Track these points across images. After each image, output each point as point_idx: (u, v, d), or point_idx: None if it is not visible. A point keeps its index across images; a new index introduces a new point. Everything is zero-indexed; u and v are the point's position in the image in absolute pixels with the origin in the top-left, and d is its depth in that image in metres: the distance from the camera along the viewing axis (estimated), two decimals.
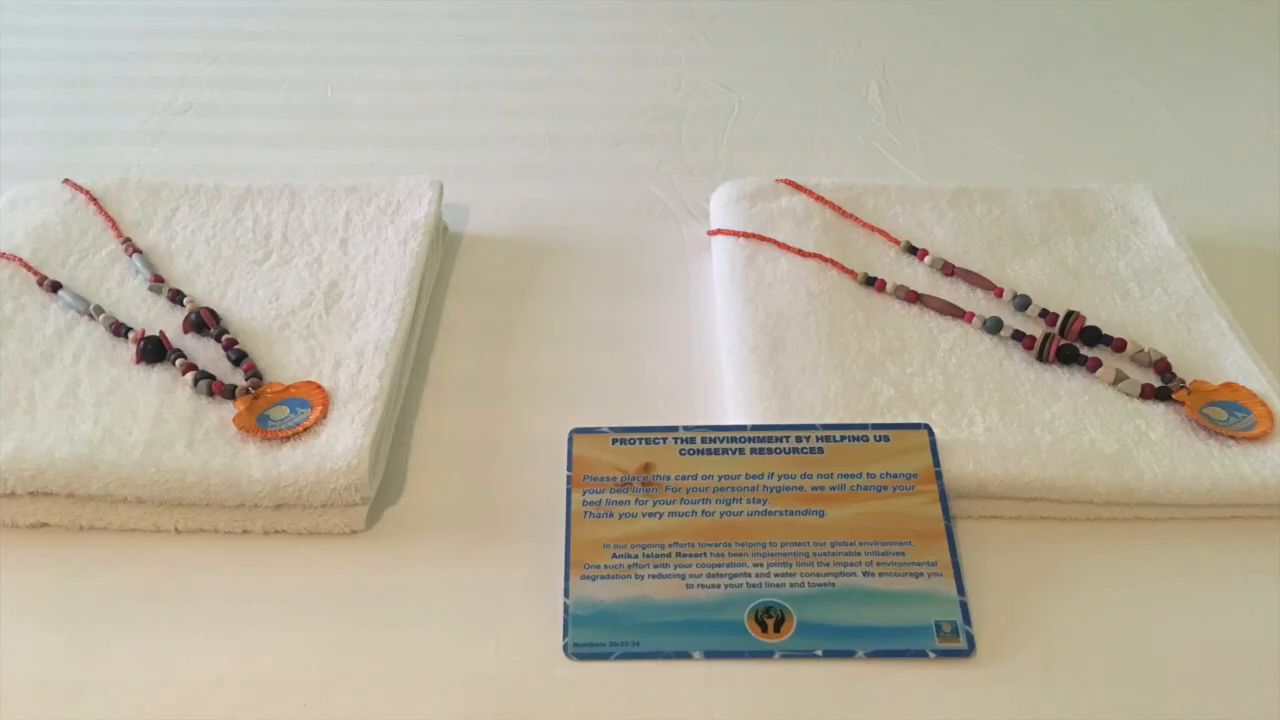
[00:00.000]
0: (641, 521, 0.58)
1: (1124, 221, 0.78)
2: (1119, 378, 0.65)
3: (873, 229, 0.77)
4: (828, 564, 0.56)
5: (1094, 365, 0.66)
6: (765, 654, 0.54)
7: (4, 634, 0.54)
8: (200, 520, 0.59)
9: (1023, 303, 0.70)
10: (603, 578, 0.56)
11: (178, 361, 0.65)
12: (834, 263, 0.73)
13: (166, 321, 0.68)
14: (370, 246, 0.74)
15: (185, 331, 0.68)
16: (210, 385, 0.63)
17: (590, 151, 0.94)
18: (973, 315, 0.69)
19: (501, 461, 0.64)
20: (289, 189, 0.79)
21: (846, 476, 0.59)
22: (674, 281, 0.78)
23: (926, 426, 0.61)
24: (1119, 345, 0.67)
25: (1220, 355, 0.67)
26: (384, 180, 0.80)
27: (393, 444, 0.64)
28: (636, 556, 0.57)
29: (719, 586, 0.56)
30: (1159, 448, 0.61)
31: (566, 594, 0.56)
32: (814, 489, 0.59)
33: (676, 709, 0.52)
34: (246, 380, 0.64)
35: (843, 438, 0.61)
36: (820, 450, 0.60)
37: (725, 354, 0.69)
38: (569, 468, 0.60)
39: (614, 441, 0.61)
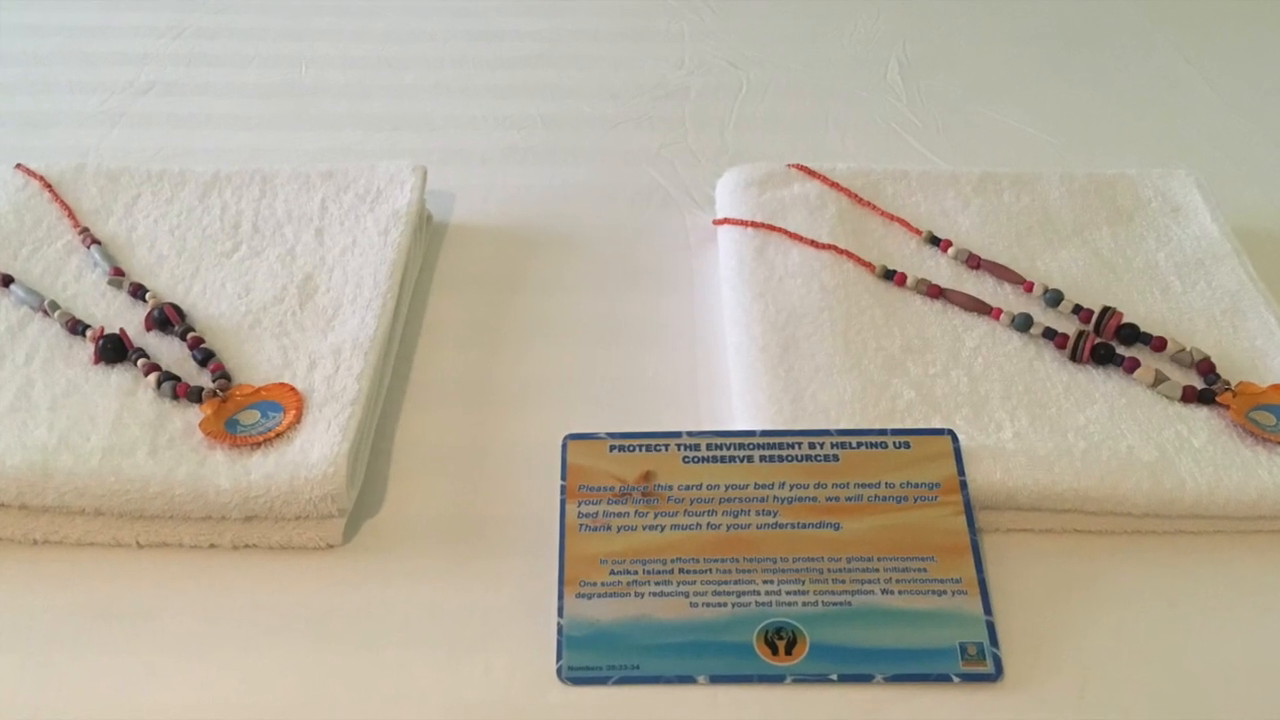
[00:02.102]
0: (642, 535, 0.58)
1: (1164, 210, 0.78)
2: (1159, 379, 0.65)
3: (892, 218, 0.77)
4: (843, 581, 0.57)
5: (1132, 366, 0.66)
6: (776, 678, 0.54)
7: None
8: (164, 533, 0.59)
9: (1054, 298, 0.70)
10: (600, 596, 0.56)
11: (139, 361, 0.65)
12: (850, 254, 0.74)
13: (127, 318, 0.68)
14: (348, 237, 0.74)
15: (147, 329, 0.68)
16: (174, 387, 0.63)
17: (586, 134, 0.94)
18: (1000, 311, 0.70)
19: (490, 470, 0.64)
20: (260, 175, 0.79)
21: (863, 486, 0.59)
22: (677, 275, 0.78)
23: (950, 432, 0.61)
24: (1159, 344, 0.67)
25: (1269, 355, 0.67)
26: (363, 165, 0.80)
27: (372, 451, 0.64)
28: (636, 573, 0.57)
29: (726, 605, 0.56)
30: (1202, 455, 0.61)
31: (560, 613, 0.56)
32: (828, 500, 0.59)
33: None
34: (214, 382, 0.64)
35: (859, 444, 0.61)
36: (835, 458, 0.60)
37: (732, 354, 0.69)
38: (563, 477, 0.60)
39: (612, 448, 0.61)
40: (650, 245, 0.81)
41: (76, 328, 0.67)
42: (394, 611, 0.57)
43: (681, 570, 0.57)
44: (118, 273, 0.71)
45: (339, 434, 0.60)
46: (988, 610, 0.55)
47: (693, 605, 0.56)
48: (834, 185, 0.79)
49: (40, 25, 1.07)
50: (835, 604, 0.56)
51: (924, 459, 0.60)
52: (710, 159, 0.90)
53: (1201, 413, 0.64)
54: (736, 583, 0.57)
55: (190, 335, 0.66)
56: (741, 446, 0.61)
